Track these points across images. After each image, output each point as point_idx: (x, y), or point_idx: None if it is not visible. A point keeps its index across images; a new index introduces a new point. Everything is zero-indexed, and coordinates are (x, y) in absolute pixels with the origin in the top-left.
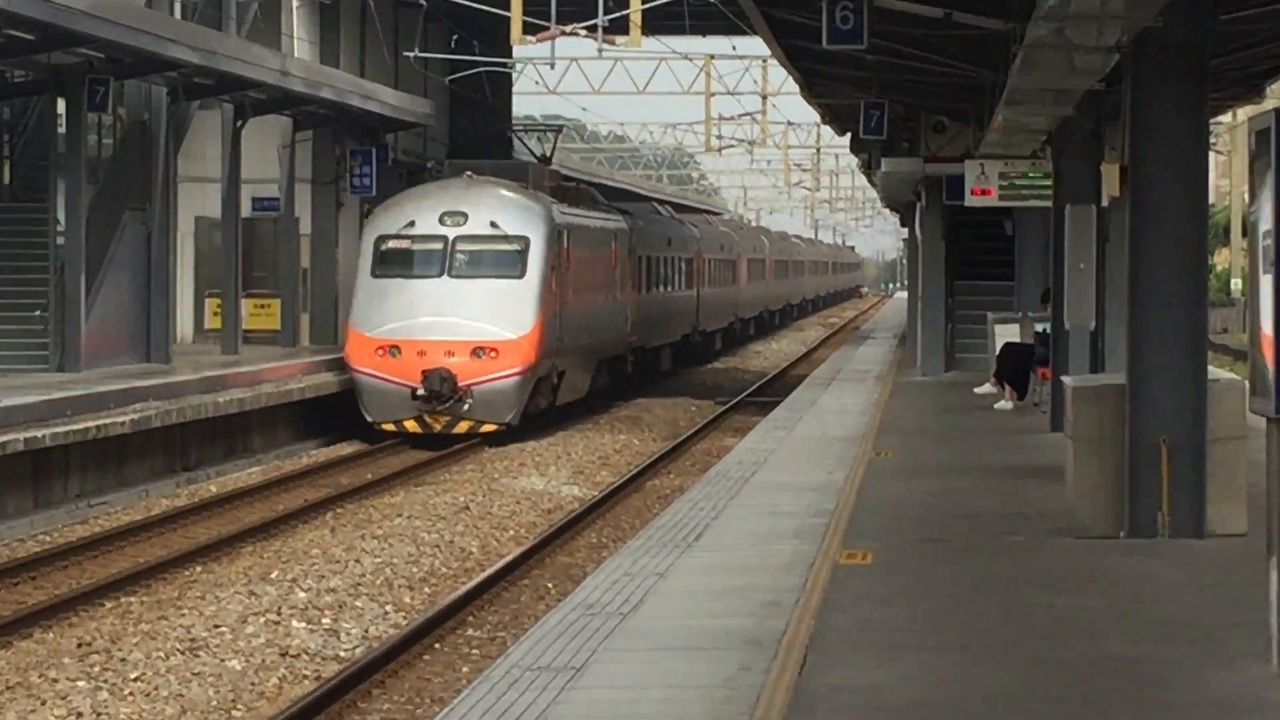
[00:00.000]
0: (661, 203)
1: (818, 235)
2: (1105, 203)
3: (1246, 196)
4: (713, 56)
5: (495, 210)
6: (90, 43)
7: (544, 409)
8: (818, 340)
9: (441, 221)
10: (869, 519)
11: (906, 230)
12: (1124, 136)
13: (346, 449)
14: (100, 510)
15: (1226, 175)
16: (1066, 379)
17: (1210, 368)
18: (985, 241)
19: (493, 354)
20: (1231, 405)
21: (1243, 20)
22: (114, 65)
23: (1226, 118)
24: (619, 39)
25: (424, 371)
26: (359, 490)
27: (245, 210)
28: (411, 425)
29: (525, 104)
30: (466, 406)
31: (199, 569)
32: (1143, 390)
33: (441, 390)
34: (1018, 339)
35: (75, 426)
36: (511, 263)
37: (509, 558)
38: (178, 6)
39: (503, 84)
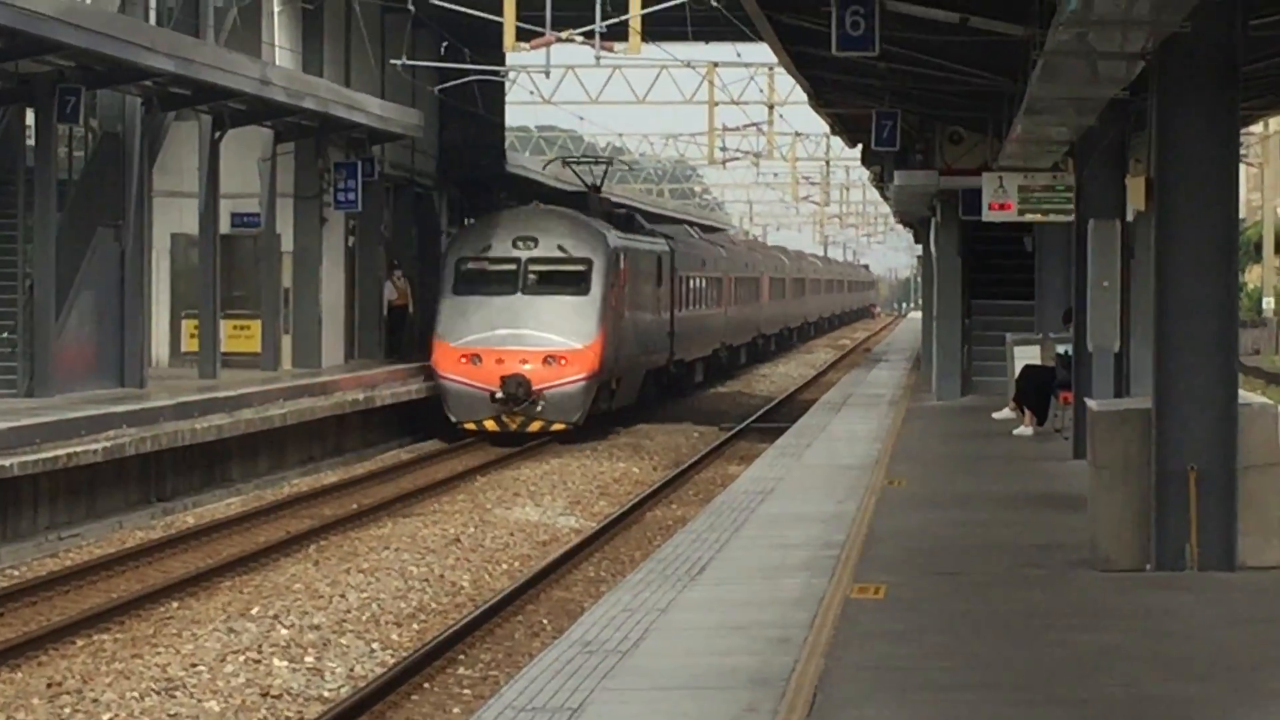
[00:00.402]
0: (690, 224)
1: (827, 252)
2: (1130, 217)
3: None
4: (716, 64)
5: (562, 235)
6: (60, 50)
7: (604, 410)
8: (827, 363)
9: (515, 245)
10: (882, 551)
11: (920, 247)
12: (1150, 147)
13: (330, 477)
14: (71, 543)
15: (1258, 188)
16: (1089, 403)
17: (1241, 391)
18: (1004, 259)
19: (562, 362)
20: (1263, 431)
21: (1274, 25)
22: (85, 74)
23: (1258, 128)
24: (618, 46)
25: (502, 377)
26: (344, 522)
27: (224, 226)
28: (490, 424)
29: (519, 114)
30: (540, 408)
31: (175, 605)
32: (1170, 415)
33: (517, 394)
34: (1038, 361)
35: (45, 455)
36: (577, 281)
37: (502, 593)
38: (152, 13)
39: (495, 93)
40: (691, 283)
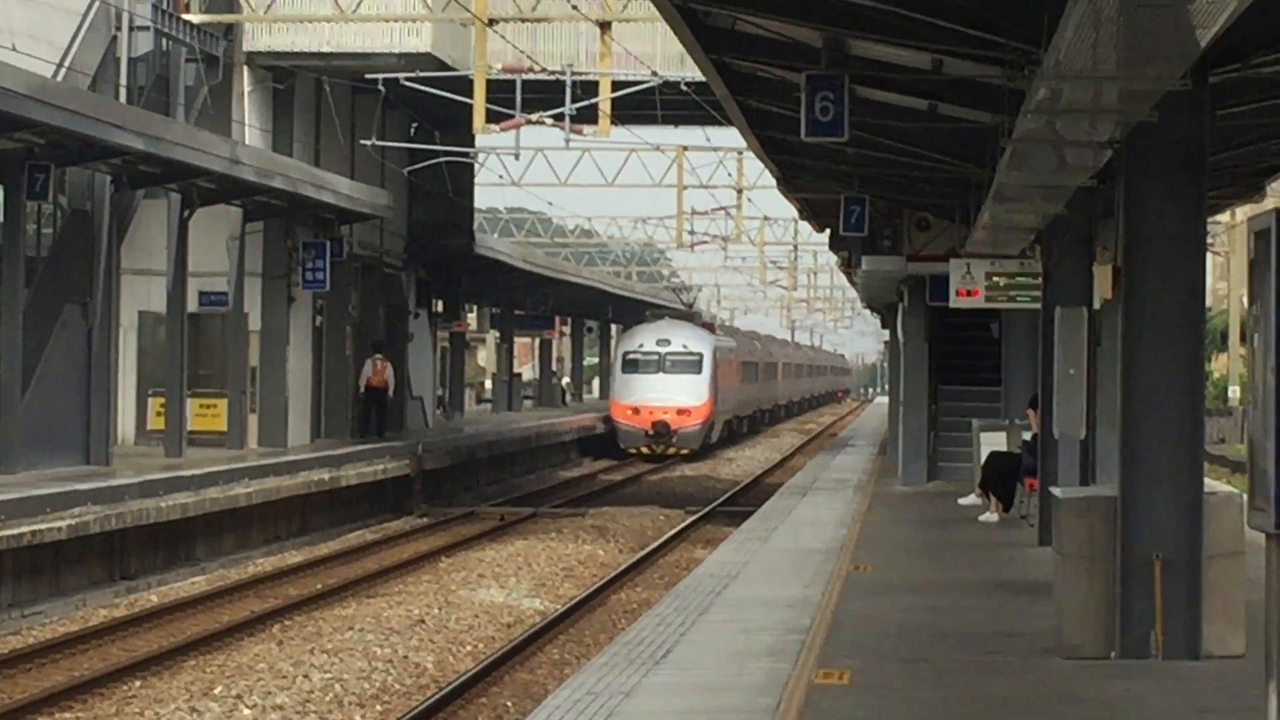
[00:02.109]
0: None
1: (794, 336)
2: (1097, 305)
3: (1245, 300)
4: (686, 148)
5: (685, 338)
6: (30, 128)
7: (708, 444)
8: (793, 447)
9: (657, 343)
10: (847, 637)
11: (888, 332)
12: (1117, 236)
13: (295, 557)
14: (34, 621)
15: (1224, 277)
16: (1055, 490)
17: (1206, 479)
18: (970, 345)
19: (687, 413)
20: (1228, 519)
21: (1241, 115)
22: (55, 151)
23: (1224, 217)
24: (587, 129)
25: (652, 422)
26: (308, 601)
27: (192, 305)
28: (644, 450)
29: (488, 195)
30: (674, 440)
31: (138, 684)
32: (1135, 503)
33: (661, 431)
34: (1004, 447)
35: (9, 532)
36: (695, 366)
37: (466, 674)
38: (123, 91)
39: (464, 175)
40: (744, 366)
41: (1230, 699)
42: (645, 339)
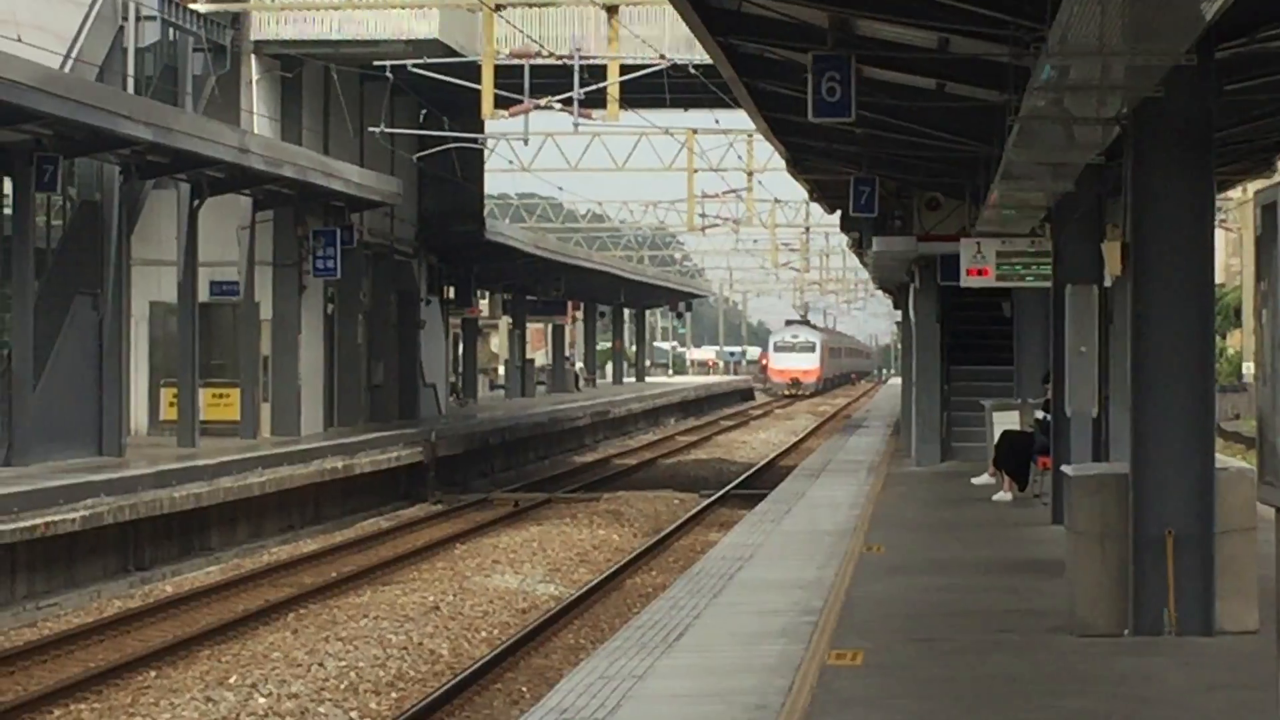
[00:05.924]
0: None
1: (807, 317)
2: (1108, 282)
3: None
4: (695, 131)
5: (806, 334)
6: (38, 119)
7: (819, 391)
8: (807, 429)
9: (791, 336)
10: (859, 617)
11: (900, 313)
12: (1125, 213)
13: (309, 545)
14: (49, 612)
15: (1238, 253)
16: (1067, 469)
17: (1219, 456)
18: (982, 324)
19: (809, 373)
20: (1240, 495)
21: (1249, 90)
22: (63, 143)
23: (1236, 193)
24: (596, 113)
25: (791, 377)
26: (323, 590)
27: (203, 294)
28: (787, 393)
29: (498, 181)
30: (802, 387)
31: (153, 674)
32: (1147, 480)
33: (796, 382)
34: (1017, 426)
35: (23, 524)
36: (812, 349)
37: (481, 660)
38: (130, 81)
39: (474, 161)
40: (831, 349)
41: (1243, 675)
42: (786, 334)
